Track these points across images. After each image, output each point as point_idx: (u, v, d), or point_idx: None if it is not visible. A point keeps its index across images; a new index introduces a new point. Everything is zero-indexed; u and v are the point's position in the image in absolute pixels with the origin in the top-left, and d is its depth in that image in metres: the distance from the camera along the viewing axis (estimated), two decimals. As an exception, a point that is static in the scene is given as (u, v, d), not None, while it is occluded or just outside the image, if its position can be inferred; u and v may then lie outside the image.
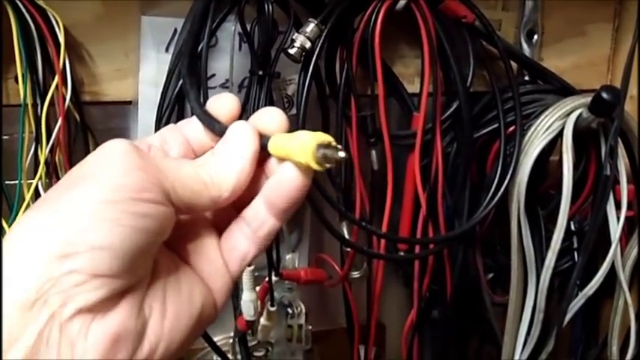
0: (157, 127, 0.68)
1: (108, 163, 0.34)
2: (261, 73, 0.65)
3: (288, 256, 0.78)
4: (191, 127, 0.41)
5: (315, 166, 0.36)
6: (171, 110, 0.67)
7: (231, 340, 0.80)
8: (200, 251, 0.39)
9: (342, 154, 0.36)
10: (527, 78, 0.82)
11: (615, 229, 0.77)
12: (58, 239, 0.31)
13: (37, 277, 0.30)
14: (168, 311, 0.35)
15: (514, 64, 0.80)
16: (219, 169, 0.37)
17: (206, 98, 0.64)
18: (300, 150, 0.36)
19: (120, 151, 0.34)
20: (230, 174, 0.37)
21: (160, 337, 0.35)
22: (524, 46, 0.83)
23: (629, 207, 0.79)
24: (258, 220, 0.39)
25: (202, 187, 0.37)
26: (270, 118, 0.40)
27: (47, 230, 0.31)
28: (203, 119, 0.41)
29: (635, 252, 0.80)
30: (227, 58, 0.69)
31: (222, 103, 0.41)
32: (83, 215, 0.32)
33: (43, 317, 0.30)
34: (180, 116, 0.67)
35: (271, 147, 0.38)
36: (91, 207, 0.32)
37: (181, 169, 0.36)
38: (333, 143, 0.36)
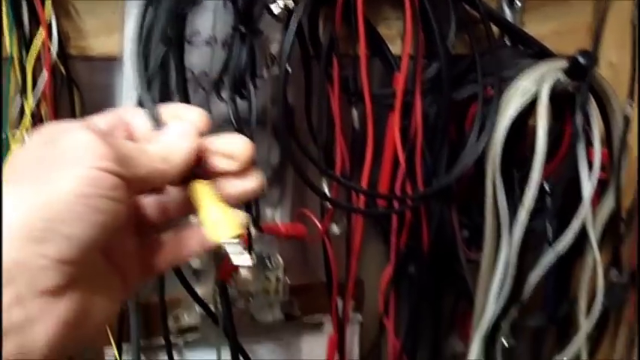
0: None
1: (83, 156, 0.35)
2: (243, 29, 0.67)
3: (268, 211, 0.80)
4: (136, 119, 0.43)
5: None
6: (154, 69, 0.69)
7: (212, 293, 0.82)
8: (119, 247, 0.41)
9: (240, 262, 0.39)
10: (508, 42, 0.84)
11: (587, 189, 0.80)
12: (37, 225, 0.33)
13: (10, 257, 0.33)
14: (97, 296, 0.38)
15: (495, 29, 0.82)
16: (171, 146, 0.40)
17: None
18: (210, 228, 0.39)
19: (93, 145, 0.36)
20: (180, 151, 0.40)
21: (101, 320, 0.39)
22: (506, 10, 0.85)
23: (602, 169, 0.81)
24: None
25: (158, 164, 0.39)
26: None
27: (28, 214, 0.33)
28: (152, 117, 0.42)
29: (605, 213, 0.83)
30: (211, 15, 0.70)
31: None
32: (61, 205, 0.34)
33: (9, 295, 0.33)
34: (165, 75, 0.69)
35: (196, 188, 0.41)
36: (68, 198, 0.34)
37: (143, 151, 0.39)
38: (239, 244, 0.39)
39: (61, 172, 0.35)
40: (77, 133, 0.36)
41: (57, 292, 0.35)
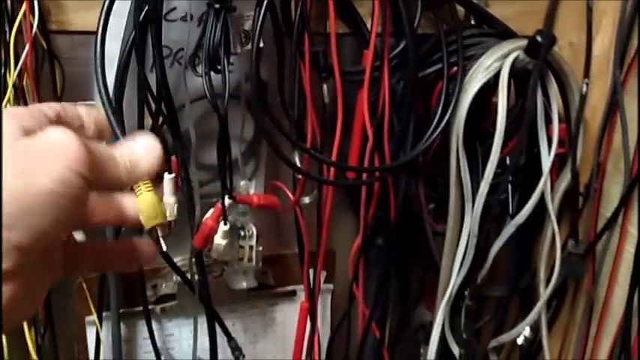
0: (121, 58, 0.72)
1: (62, 157, 0.38)
2: (217, 6, 0.70)
3: (242, 183, 0.83)
4: (92, 112, 0.47)
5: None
6: (131, 45, 0.72)
7: (189, 262, 0.86)
8: None
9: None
10: (473, 22, 0.88)
11: (546, 163, 0.84)
12: (12, 212, 0.36)
13: None
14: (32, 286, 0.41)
15: (461, 9, 0.86)
16: (136, 155, 0.44)
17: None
18: (142, 215, 0.47)
19: (72, 147, 0.39)
20: (144, 162, 0.44)
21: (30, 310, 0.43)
22: (472, -9, 0.88)
23: (561, 145, 0.85)
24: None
25: (123, 174, 0.43)
26: None
27: (7, 200, 0.36)
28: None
29: (563, 186, 0.87)
30: (187, -8, 0.73)
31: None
32: (35, 198, 0.37)
33: None
34: (142, 49, 0.72)
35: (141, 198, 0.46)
36: (41, 193, 0.37)
37: (111, 158, 0.43)
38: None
39: (40, 166, 0.37)
40: (58, 132, 0.39)
41: (5, 276, 0.37)
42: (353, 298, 0.95)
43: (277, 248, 0.95)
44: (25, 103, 0.73)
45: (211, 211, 0.78)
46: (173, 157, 0.75)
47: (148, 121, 0.75)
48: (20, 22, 0.69)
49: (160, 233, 0.49)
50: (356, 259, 0.91)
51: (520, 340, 0.97)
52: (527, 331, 0.95)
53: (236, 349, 0.89)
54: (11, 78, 0.70)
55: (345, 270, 0.95)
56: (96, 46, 0.67)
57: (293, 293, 0.97)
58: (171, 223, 0.74)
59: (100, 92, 0.65)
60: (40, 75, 0.74)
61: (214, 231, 0.77)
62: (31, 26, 0.70)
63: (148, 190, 0.46)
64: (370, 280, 0.95)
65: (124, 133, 0.64)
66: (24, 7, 0.69)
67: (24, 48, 0.70)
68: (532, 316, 0.91)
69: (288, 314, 0.98)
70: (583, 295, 0.96)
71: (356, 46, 0.85)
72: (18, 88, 0.72)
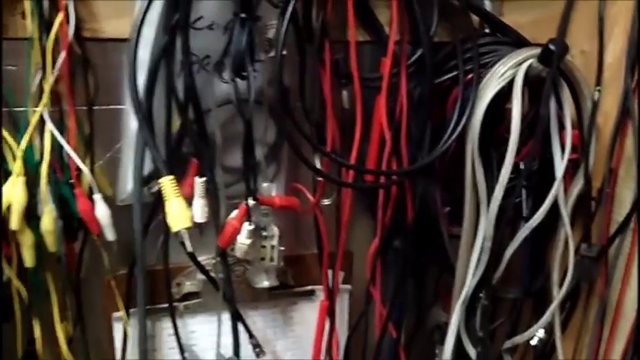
0: (151, 64, 0.76)
1: None
2: (243, 15, 0.73)
3: (264, 185, 0.86)
4: None
5: None
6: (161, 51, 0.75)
7: (213, 261, 0.89)
8: None
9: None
10: (487, 31, 0.90)
11: (559, 168, 0.86)
12: None
13: None
14: None
15: (475, 18, 0.89)
16: None
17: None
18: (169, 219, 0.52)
19: None
20: None
21: None
22: (486, 1, 0.91)
23: (574, 150, 0.88)
24: None
25: None
26: None
27: None
28: None
29: (576, 190, 0.90)
30: (213, 2, 0.76)
31: None
32: None
33: None
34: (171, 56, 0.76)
35: (164, 183, 0.50)
36: None
37: None
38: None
39: None
40: None
41: None
42: (370, 299, 0.98)
43: (297, 249, 0.98)
44: (60, 108, 0.77)
45: (235, 211, 0.81)
46: (193, 160, 0.78)
47: (176, 124, 0.78)
48: (57, 31, 0.73)
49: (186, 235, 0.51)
50: (373, 261, 0.94)
51: (534, 342, 0.99)
52: (540, 333, 0.97)
53: (257, 346, 0.92)
54: (48, 84, 0.74)
55: (363, 271, 0.98)
56: (131, 52, 0.70)
57: (312, 293, 1.00)
58: (202, 225, 0.78)
59: (132, 96, 0.69)
60: (75, 80, 0.77)
61: (238, 231, 0.80)
62: (67, 34, 0.73)
63: (176, 196, 0.49)
64: (387, 281, 0.97)
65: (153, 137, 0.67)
66: (60, 16, 0.72)
67: (59, 55, 0.74)
68: (546, 318, 0.93)
69: (307, 314, 1.01)
70: (596, 297, 0.98)
71: (374, 54, 0.88)
72: (54, 92, 0.75)
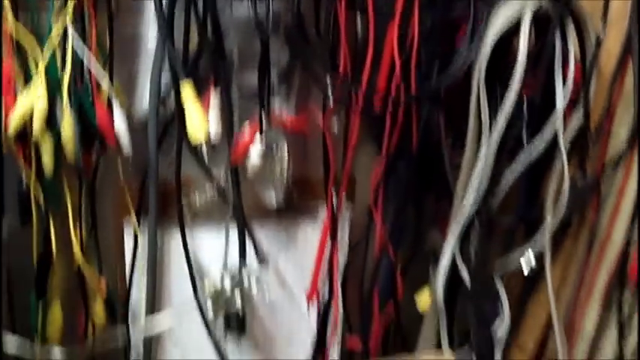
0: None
1: None
2: None
3: (277, 106, 0.89)
4: None
5: None
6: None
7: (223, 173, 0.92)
8: None
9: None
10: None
11: (560, 100, 0.89)
12: None
13: None
14: None
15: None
16: None
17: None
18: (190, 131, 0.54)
19: None
20: None
21: None
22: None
23: (575, 86, 0.90)
24: None
25: None
26: None
27: None
28: None
29: (575, 124, 0.93)
30: None
31: None
32: None
33: None
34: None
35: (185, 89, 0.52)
36: None
37: None
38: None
39: None
40: None
41: None
42: (371, 222, 1.02)
43: (303, 171, 1.01)
44: (83, 25, 0.79)
45: (248, 128, 0.84)
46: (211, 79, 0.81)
47: (195, 41, 0.80)
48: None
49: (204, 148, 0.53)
50: (378, 182, 0.97)
51: (526, 271, 1.03)
52: (532, 262, 1.01)
53: (260, 255, 0.96)
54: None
55: (364, 200, 1.02)
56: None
57: (315, 213, 1.04)
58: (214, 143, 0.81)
59: (156, 10, 0.71)
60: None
61: (250, 146, 0.84)
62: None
63: (194, 102, 0.50)
64: (388, 207, 1.01)
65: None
66: None
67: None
68: (537, 241, 0.97)
69: (310, 232, 1.05)
70: (586, 227, 1.02)
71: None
72: (77, 10, 0.77)
